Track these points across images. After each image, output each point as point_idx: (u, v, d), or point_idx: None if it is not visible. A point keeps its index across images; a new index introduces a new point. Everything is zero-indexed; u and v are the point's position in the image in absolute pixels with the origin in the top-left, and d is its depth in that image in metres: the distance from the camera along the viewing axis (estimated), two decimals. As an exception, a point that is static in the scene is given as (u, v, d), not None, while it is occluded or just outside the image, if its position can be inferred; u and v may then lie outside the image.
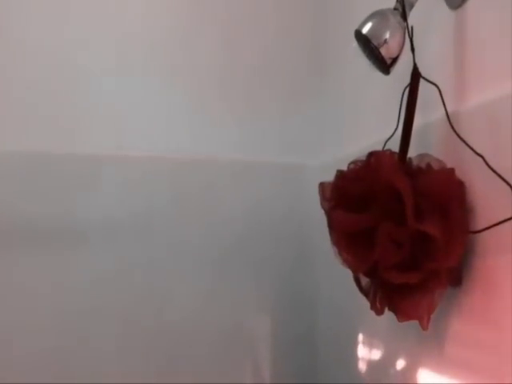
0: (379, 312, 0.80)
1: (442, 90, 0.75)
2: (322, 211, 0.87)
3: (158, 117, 1.26)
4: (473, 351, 0.73)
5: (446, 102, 0.75)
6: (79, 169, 1.19)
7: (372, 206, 0.77)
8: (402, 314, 0.77)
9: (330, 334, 1.23)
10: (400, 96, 0.82)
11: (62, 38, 1.21)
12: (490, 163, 0.67)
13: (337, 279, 1.12)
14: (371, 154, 0.80)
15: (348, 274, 0.85)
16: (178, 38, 1.29)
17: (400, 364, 0.92)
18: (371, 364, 1.05)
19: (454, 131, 0.73)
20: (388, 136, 0.87)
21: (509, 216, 0.63)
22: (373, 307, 0.81)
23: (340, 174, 0.84)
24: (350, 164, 0.83)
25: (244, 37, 1.33)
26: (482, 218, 0.70)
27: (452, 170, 0.73)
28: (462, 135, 0.72)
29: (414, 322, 0.74)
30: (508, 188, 0.64)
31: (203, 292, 1.23)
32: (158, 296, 1.21)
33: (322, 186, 0.87)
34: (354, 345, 1.10)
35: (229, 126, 1.30)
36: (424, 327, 0.73)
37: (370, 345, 1.06)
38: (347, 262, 0.82)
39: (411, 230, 0.71)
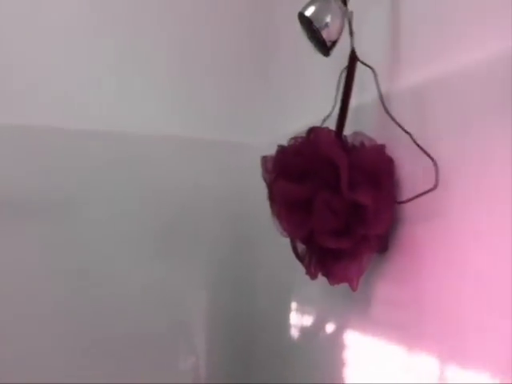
0: (313, 276, 0.86)
1: (377, 72, 0.81)
2: (263, 189, 0.91)
3: (102, 92, 1.26)
4: (396, 311, 0.81)
5: (380, 83, 0.81)
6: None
7: (311, 178, 0.83)
8: (333, 277, 0.83)
9: (267, 306, 1.28)
10: (338, 77, 0.88)
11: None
12: (417, 140, 0.74)
13: (276, 257, 1.18)
14: (311, 131, 0.86)
15: (286, 248, 0.90)
16: (130, 15, 1.28)
17: (331, 326, 1.00)
18: (304, 328, 1.12)
19: (386, 111, 0.79)
20: (326, 115, 0.93)
21: (430, 187, 0.71)
22: (308, 272, 0.87)
23: (281, 149, 0.89)
24: (290, 139, 0.88)
25: (190, 17, 1.33)
26: (408, 190, 0.77)
27: (383, 147, 0.80)
28: (393, 115, 0.79)
29: (345, 286, 0.81)
30: (431, 162, 0.71)
31: (141, 268, 1.24)
32: (95, 272, 1.21)
33: (264, 159, 0.92)
34: (289, 312, 1.17)
35: (172, 103, 1.31)
36: (353, 289, 0.80)
37: (304, 311, 1.13)
38: (286, 231, 0.87)
39: (346, 199, 0.77)
